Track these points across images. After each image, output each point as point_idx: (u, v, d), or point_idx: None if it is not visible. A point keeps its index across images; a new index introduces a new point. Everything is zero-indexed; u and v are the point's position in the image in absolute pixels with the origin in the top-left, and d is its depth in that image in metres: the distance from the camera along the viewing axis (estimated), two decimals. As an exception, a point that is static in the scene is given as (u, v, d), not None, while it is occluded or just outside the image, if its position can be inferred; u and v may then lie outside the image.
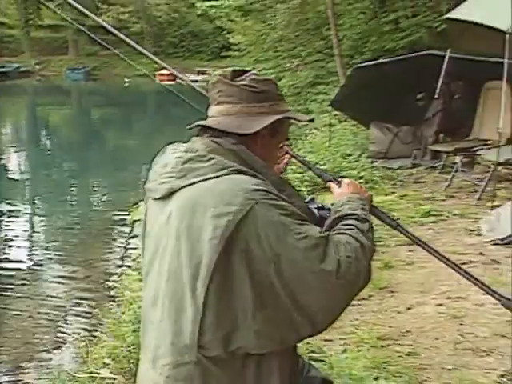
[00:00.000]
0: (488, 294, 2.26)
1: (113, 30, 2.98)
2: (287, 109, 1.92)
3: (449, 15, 8.44)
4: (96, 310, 6.05)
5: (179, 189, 1.72)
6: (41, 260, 8.49)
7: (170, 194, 1.74)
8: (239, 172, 1.71)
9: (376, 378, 3.46)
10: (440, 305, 4.59)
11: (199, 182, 1.69)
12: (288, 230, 1.63)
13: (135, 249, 7.75)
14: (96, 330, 5.63)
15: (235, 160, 1.74)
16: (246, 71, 1.89)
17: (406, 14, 16.27)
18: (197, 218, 1.64)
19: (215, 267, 1.59)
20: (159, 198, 1.79)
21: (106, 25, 3.07)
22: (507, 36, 6.29)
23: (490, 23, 6.51)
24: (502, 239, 5.88)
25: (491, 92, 7.99)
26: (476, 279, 2.19)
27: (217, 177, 1.68)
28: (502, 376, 3.47)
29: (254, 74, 1.88)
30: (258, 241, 1.59)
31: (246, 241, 1.59)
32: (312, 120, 2.05)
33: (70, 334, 6.03)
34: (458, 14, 7.92)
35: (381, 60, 10.86)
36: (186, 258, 1.65)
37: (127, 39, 3.00)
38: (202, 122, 1.84)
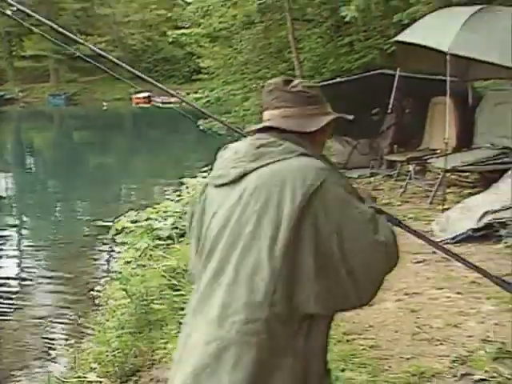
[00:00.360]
0: (495, 283, 2.61)
1: (112, 58, 3.02)
2: (331, 110, 2.04)
3: (396, 38, 8.58)
4: (82, 318, 6.04)
5: (252, 170, 1.83)
6: (29, 272, 8.45)
7: (241, 177, 1.84)
8: (306, 155, 1.85)
9: (343, 370, 3.49)
10: (399, 300, 4.61)
11: (272, 163, 1.82)
12: (350, 205, 1.79)
13: (117, 261, 7.72)
14: (83, 338, 5.62)
15: (299, 148, 1.87)
16: (293, 79, 2.02)
17: (359, 38, 16.49)
18: (275, 192, 1.76)
19: (291, 235, 1.70)
20: (228, 183, 1.88)
21: (101, 52, 3.11)
22: (447, 56, 6.43)
23: (432, 45, 6.64)
24: (452, 238, 5.93)
25: (437, 106, 8.11)
26: (484, 271, 2.58)
27: (288, 158, 1.82)
28: (454, 362, 3.53)
29: (302, 81, 2.02)
30: (325, 213, 1.73)
31: (315, 213, 1.72)
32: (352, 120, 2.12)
33: (58, 342, 6.02)
34: (404, 37, 8.07)
35: (338, 79, 11.01)
36: (266, 226, 1.75)
37: (126, 65, 3.05)
38: (267, 124, 1.94)
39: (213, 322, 1.78)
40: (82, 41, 3.46)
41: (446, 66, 6.44)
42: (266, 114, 2.00)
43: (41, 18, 3.02)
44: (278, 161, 1.82)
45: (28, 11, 3.07)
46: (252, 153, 1.87)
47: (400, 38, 8.31)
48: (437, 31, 7.11)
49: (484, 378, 3.20)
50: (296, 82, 1.99)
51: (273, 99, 1.98)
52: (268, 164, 1.83)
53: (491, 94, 8.05)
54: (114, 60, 3.09)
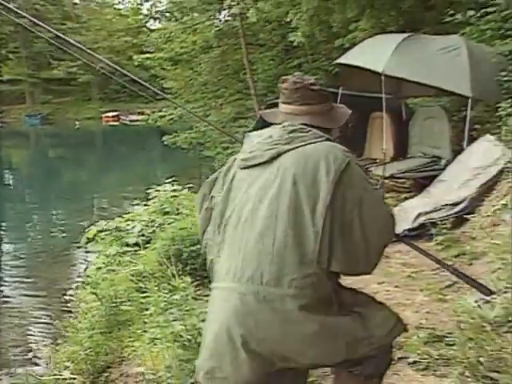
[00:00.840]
0: (475, 288, 2.65)
1: (126, 73, 3.04)
2: (335, 104, 2.30)
3: (338, 61, 8.71)
4: (56, 321, 5.96)
5: (285, 151, 1.98)
6: (7, 279, 8.30)
7: (275, 158, 1.99)
8: (331, 141, 2.06)
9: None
10: None
11: (304, 145, 1.99)
12: (368, 183, 2.02)
13: (87, 268, 7.62)
14: (58, 339, 5.55)
15: (324, 134, 2.07)
16: (311, 79, 2.21)
17: (306, 60, 16.66)
18: (310, 168, 1.93)
19: (327, 205, 1.88)
20: (262, 163, 2.02)
21: (111, 63, 3.12)
22: (382, 76, 6.55)
23: (369, 66, 6.75)
24: (391, 238, 6.06)
25: (376, 121, 8.24)
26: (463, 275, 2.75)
27: (317, 142, 2.01)
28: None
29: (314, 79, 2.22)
30: (351, 187, 1.92)
31: (344, 187, 1.91)
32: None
33: (35, 344, 5.94)
34: (344, 59, 8.20)
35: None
36: (304, 197, 1.91)
37: (140, 80, 3.08)
38: (301, 121, 2.09)
39: (269, 283, 1.90)
40: (104, 59, 3.39)
41: (382, 85, 6.55)
42: (289, 108, 2.16)
43: (71, 41, 3.03)
44: (309, 143, 2.00)
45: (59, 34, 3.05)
46: (285, 137, 2.02)
47: (341, 60, 8.44)
48: (373, 55, 7.25)
49: (417, 360, 3.24)
50: (311, 80, 2.18)
51: (298, 96, 2.14)
52: (300, 146, 1.99)
53: (421, 110, 8.20)
54: (137, 79, 3.11)
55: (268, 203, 1.95)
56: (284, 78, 2.24)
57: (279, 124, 2.11)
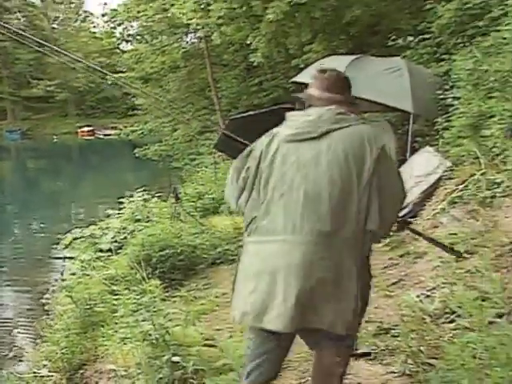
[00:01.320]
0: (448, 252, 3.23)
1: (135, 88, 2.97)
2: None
3: (294, 79, 8.77)
4: (35, 323, 5.86)
5: (335, 130, 2.20)
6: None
7: (324, 134, 2.19)
8: (365, 124, 2.28)
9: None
10: None
11: (347, 126, 2.21)
12: (393, 160, 2.27)
13: (63, 273, 7.48)
14: (36, 339, 5.46)
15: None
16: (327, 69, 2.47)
17: (266, 79, 16.78)
18: (356, 145, 2.17)
19: (370, 176, 2.13)
20: (314, 137, 2.21)
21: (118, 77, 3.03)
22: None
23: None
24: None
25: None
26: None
27: (358, 124, 2.23)
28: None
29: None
30: (385, 163, 2.17)
31: (380, 162, 2.15)
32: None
33: (15, 344, 5.82)
34: (300, 78, 8.25)
35: (250, 112, 11.11)
36: (353, 168, 2.13)
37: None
38: (334, 108, 2.28)
39: (324, 234, 2.11)
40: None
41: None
42: (325, 95, 2.34)
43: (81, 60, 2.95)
44: (352, 125, 2.22)
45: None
46: (334, 118, 2.23)
47: (297, 79, 8.49)
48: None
49: (365, 351, 3.27)
50: (342, 73, 2.47)
51: (334, 86, 2.36)
52: (345, 127, 2.21)
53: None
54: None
55: (322, 170, 2.15)
56: (322, 68, 2.48)
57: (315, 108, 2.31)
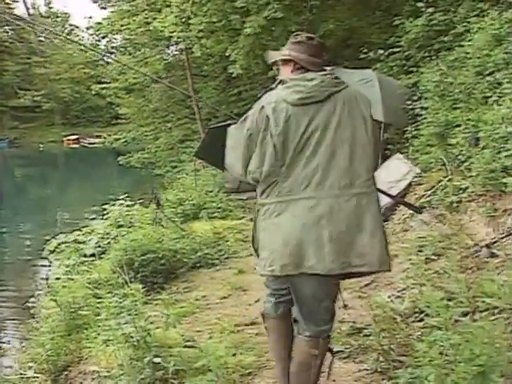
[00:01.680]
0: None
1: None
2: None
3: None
4: (21, 325, 5.77)
5: (335, 92, 2.34)
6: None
7: (328, 97, 2.33)
8: None
9: (234, 354, 3.47)
10: None
11: (344, 88, 2.37)
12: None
13: (48, 277, 7.37)
14: (22, 342, 5.38)
15: None
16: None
17: (245, 89, 16.78)
18: (356, 106, 2.37)
19: (371, 129, 2.36)
20: (320, 100, 2.32)
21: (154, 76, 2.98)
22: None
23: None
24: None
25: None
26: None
27: (347, 86, 2.40)
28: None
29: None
30: (371, 113, 2.39)
31: (371, 116, 2.40)
32: None
33: (2, 346, 5.74)
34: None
35: (228, 121, 11.10)
36: (358, 125, 2.33)
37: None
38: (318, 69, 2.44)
39: (346, 186, 2.28)
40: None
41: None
42: (311, 59, 2.45)
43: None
44: (346, 88, 2.39)
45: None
46: (333, 82, 2.37)
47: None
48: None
49: (340, 349, 3.28)
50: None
51: (317, 51, 2.51)
52: (342, 89, 2.37)
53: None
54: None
55: (334, 130, 2.30)
56: (306, 34, 2.58)
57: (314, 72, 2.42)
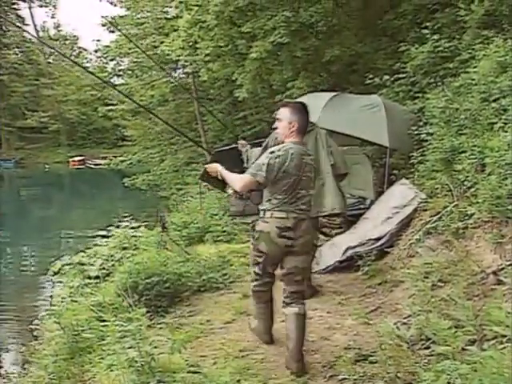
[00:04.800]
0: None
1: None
2: None
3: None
4: (24, 348, 5.75)
5: None
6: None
7: None
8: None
9: (238, 380, 3.45)
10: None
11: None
12: None
13: (52, 299, 7.35)
14: (24, 364, 5.35)
15: None
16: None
17: (251, 113, 16.94)
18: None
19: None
20: None
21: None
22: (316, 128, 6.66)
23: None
24: (324, 269, 6.03)
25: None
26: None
27: None
28: (324, 366, 3.58)
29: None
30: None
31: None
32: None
33: (4, 369, 5.71)
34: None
35: (233, 145, 11.15)
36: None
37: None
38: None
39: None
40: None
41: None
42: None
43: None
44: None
45: None
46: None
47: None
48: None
49: (346, 377, 3.25)
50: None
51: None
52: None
53: (349, 157, 8.33)
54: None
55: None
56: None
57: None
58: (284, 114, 3.62)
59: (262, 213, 3.69)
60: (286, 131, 3.61)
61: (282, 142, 3.65)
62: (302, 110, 3.63)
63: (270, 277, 3.84)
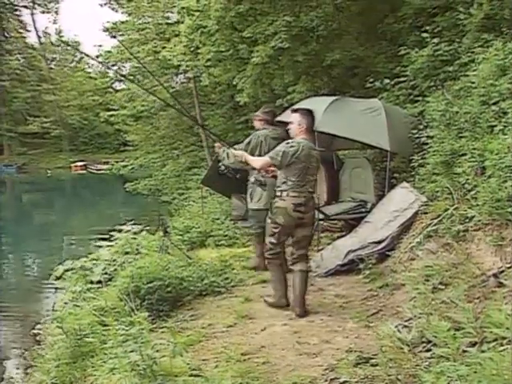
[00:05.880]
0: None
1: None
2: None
3: (278, 119, 8.83)
4: (27, 352, 5.76)
5: None
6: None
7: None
8: None
9: (240, 384, 3.45)
10: (285, 324, 4.61)
11: None
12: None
13: (55, 304, 7.36)
14: (27, 369, 5.37)
15: None
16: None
17: (252, 117, 16.94)
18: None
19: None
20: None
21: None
22: (315, 133, 6.69)
23: (305, 124, 6.84)
24: (325, 272, 6.06)
25: (311, 170, 8.30)
26: None
27: None
28: (326, 369, 3.58)
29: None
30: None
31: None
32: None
33: (6, 374, 5.72)
34: (284, 118, 8.34)
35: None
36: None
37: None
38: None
39: None
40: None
41: (315, 140, 6.67)
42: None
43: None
44: None
45: None
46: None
47: (281, 118, 8.58)
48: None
49: (347, 380, 3.26)
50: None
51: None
52: None
53: (350, 161, 8.37)
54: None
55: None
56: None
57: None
58: (295, 118, 4.89)
59: (279, 193, 4.74)
60: (297, 131, 4.86)
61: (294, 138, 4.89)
62: (309, 114, 4.92)
63: (281, 247, 4.96)
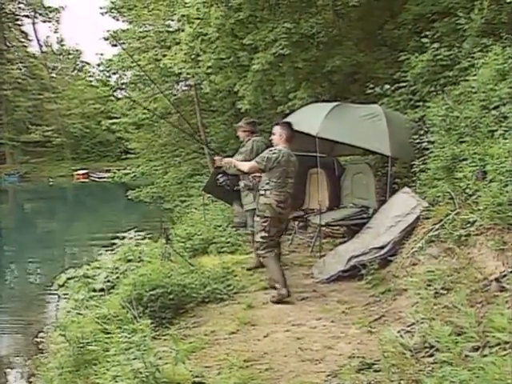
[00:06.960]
0: None
1: None
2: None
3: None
4: (29, 361, 5.77)
5: None
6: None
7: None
8: None
9: (243, 390, 3.45)
10: (287, 331, 4.61)
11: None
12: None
13: (57, 312, 7.37)
14: (30, 377, 5.37)
15: None
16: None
17: (253, 124, 16.97)
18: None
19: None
20: None
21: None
22: (316, 139, 6.72)
23: (305, 130, 6.89)
24: (327, 278, 6.06)
25: (313, 176, 8.33)
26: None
27: None
28: (328, 375, 3.58)
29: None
30: None
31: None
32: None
33: (10, 382, 5.72)
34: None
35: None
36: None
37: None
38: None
39: None
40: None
41: (316, 146, 6.69)
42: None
43: None
44: None
45: None
46: None
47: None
48: (308, 120, 7.38)
49: (350, 386, 3.27)
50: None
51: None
52: None
53: (351, 167, 8.38)
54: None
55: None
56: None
57: None
58: (276, 130, 5.82)
59: (263, 192, 5.53)
60: (278, 140, 5.75)
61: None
62: (288, 126, 5.84)
63: (272, 239, 5.58)
